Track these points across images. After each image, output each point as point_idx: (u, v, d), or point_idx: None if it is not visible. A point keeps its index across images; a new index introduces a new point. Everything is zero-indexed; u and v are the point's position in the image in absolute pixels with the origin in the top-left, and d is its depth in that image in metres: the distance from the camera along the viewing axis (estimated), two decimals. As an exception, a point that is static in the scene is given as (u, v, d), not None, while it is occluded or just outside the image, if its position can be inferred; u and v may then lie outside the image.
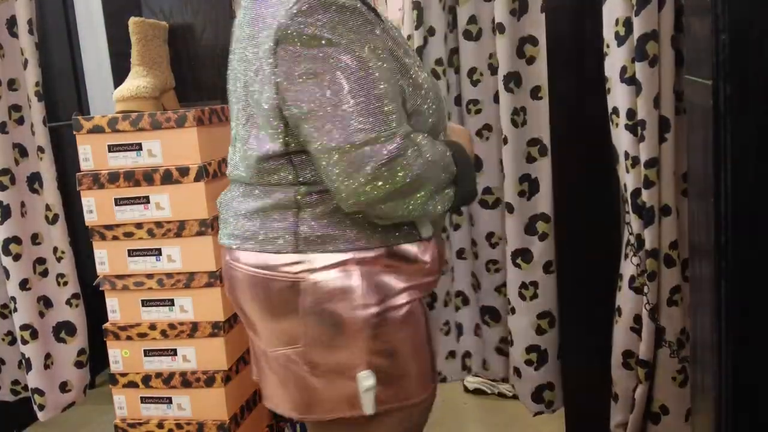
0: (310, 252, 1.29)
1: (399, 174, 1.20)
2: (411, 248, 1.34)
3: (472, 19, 2.11)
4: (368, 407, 1.30)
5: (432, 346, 1.41)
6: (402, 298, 1.32)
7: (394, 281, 1.31)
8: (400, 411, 1.35)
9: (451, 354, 2.30)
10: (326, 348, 1.30)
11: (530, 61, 2.06)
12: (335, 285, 1.28)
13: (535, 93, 2.07)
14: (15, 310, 2.33)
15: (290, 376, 1.34)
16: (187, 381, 2.11)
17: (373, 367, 1.29)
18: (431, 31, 2.11)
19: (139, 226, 2.07)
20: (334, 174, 1.20)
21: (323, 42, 1.19)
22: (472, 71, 2.15)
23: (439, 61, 2.12)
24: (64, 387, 2.44)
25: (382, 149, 1.18)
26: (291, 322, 1.31)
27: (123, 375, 2.15)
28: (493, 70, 2.11)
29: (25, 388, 2.48)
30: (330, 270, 1.28)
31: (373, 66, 1.20)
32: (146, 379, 2.13)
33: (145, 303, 2.11)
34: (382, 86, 1.20)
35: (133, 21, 2.16)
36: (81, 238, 2.55)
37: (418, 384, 1.36)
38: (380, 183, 1.20)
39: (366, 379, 1.29)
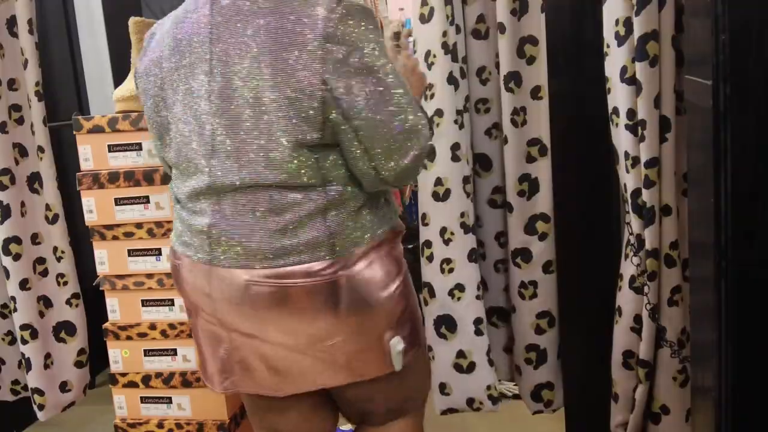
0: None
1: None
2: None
3: (481, 18, 2.10)
4: (398, 365, 1.45)
5: None
6: (404, 265, 1.48)
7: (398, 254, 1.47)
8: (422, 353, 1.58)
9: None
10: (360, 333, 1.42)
11: (530, 61, 2.06)
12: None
13: (535, 93, 2.07)
14: (15, 309, 2.33)
15: (334, 357, 1.43)
16: (187, 381, 2.11)
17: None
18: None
19: (139, 226, 2.07)
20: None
21: None
22: (481, 70, 2.14)
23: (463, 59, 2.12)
24: (64, 387, 2.44)
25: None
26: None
27: (123, 375, 2.15)
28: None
29: (25, 387, 2.48)
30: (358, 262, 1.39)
31: None
32: (146, 379, 2.13)
33: (145, 303, 2.11)
34: None
35: (133, 21, 2.15)
36: (81, 238, 2.54)
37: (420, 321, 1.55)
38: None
39: (398, 344, 1.44)
